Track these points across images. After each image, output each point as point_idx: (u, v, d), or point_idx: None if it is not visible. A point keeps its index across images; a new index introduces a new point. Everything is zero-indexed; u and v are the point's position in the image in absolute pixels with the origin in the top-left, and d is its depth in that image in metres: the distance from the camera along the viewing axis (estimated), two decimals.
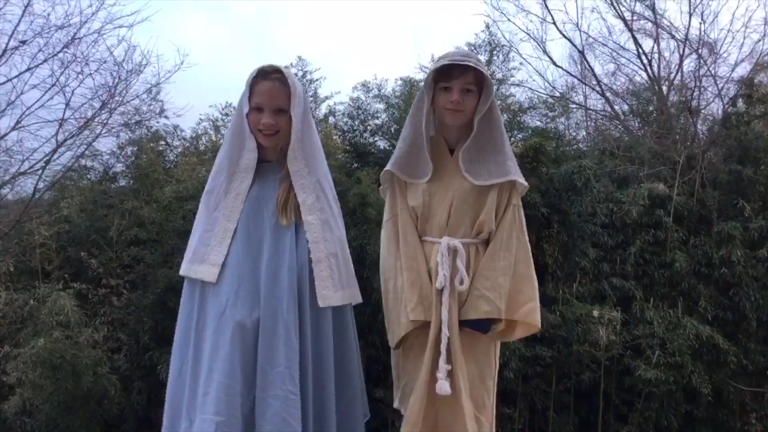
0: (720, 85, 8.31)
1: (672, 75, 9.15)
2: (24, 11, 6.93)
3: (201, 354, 2.35)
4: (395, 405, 2.66)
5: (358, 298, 2.54)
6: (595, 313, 5.49)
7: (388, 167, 2.60)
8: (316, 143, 2.56)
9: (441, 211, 2.52)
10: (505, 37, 9.21)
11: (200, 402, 2.29)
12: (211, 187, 2.49)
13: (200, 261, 2.40)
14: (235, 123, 2.48)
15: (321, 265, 2.41)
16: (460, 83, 2.47)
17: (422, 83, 2.58)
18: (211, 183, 2.49)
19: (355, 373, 2.56)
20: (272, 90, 2.41)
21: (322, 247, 2.43)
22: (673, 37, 9.07)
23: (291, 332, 2.31)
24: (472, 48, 8.22)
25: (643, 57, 9.25)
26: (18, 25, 6.96)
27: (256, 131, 2.42)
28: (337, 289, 2.43)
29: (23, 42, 6.96)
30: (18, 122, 7.03)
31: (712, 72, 8.45)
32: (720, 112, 7.96)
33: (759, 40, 8.89)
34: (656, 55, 9.21)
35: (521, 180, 2.56)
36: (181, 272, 2.47)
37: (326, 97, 7.79)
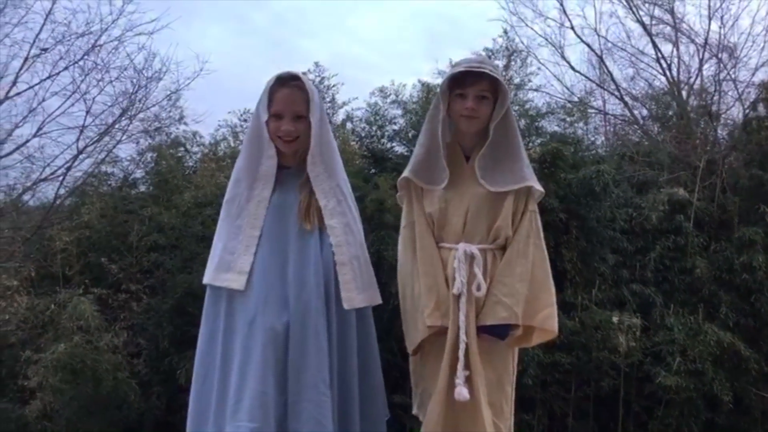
0: (740, 90, 8.27)
1: (692, 79, 9.09)
2: (45, 19, 7.03)
3: (230, 362, 2.34)
4: (414, 411, 2.65)
5: (378, 299, 2.56)
6: (615, 319, 5.46)
7: (404, 174, 2.60)
8: (334, 148, 2.58)
9: (457, 217, 2.52)
10: (523, 43, 9.20)
11: (231, 410, 2.28)
12: (232, 195, 2.48)
13: (226, 269, 2.40)
14: (253, 131, 2.48)
15: (345, 268, 2.44)
16: (474, 90, 2.47)
17: (439, 89, 2.58)
18: (232, 191, 2.49)
19: (376, 373, 2.57)
20: (291, 97, 2.42)
21: (346, 251, 2.45)
22: (692, 41, 9.02)
23: (321, 336, 2.33)
24: (490, 53, 8.21)
25: (663, 61, 9.19)
26: (39, 33, 7.06)
27: (275, 138, 2.43)
28: (360, 291, 2.46)
29: (44, 50, 7.06)
30: (39, 129, 7.13)
31: (732, 76, 8.39)
32: (740, 116, 7.91)
33: None
34: (675, 60, 9.15)
35: (537, 186, 2.54)
36: (207, 281, 2.45)
37: (344, 103, 7.82)
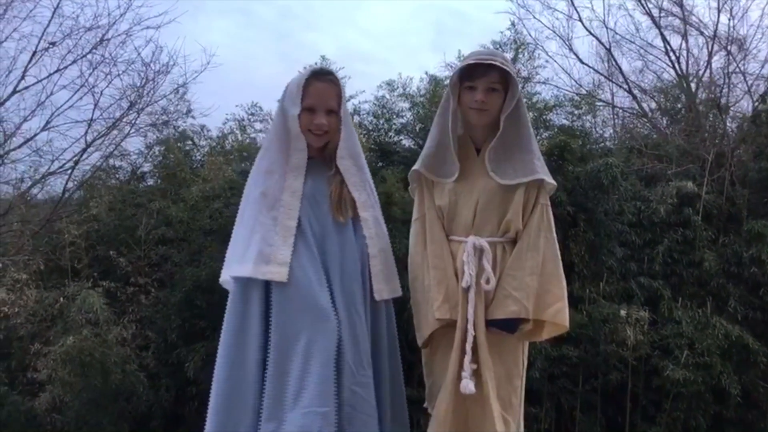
0: (749, 82, 8.24)
1: (701, 72, 9.04)
2: (53, 13, 7.05)
3: (286, 353, 2.34)
4: (425, 404, 2.66)
5: (399, 291, 2.61)
6: (623, 312, 5.45)
7: (415, 167, 2.60)
8: (358, 142, 2.64)
9: (467, 210, 2.51)
10: (530, 35, 9.16)
11: (291, 398, 2.29)
12: (265, 186, 2.49)
13: (267, 261, 2.39)
14: (279, 126, 2.51)
15: (375, 260, 2.51)
16: (484, 82, 2.46)
17: (447, 81, 2.57)
18: (265, 183, 2.49)
19: (399, 358, 2.63)
20: (326, 91, 2.47)
21: (376, 243, 2.53)
22: (701, 33, 8.97)
23: (364, 323, 2.42)
24: (498, 46, 8.19)
25: (671, 54, 9.15)
26: (48, 26, 7.08)
27: (305, 131, 2.46)
28: (386, 282, 2.53)
29: (53, 44, 7.07)
30: (48, 123, 7.16)
31: (742, 68, 8.35)
32: (749, 109, 7.88)
33: None
34: (684, 52, 9.10)
35: (549, 179, 2.53)
36: (246, 273, 2.41)
37: (351, 96, 7.80)
